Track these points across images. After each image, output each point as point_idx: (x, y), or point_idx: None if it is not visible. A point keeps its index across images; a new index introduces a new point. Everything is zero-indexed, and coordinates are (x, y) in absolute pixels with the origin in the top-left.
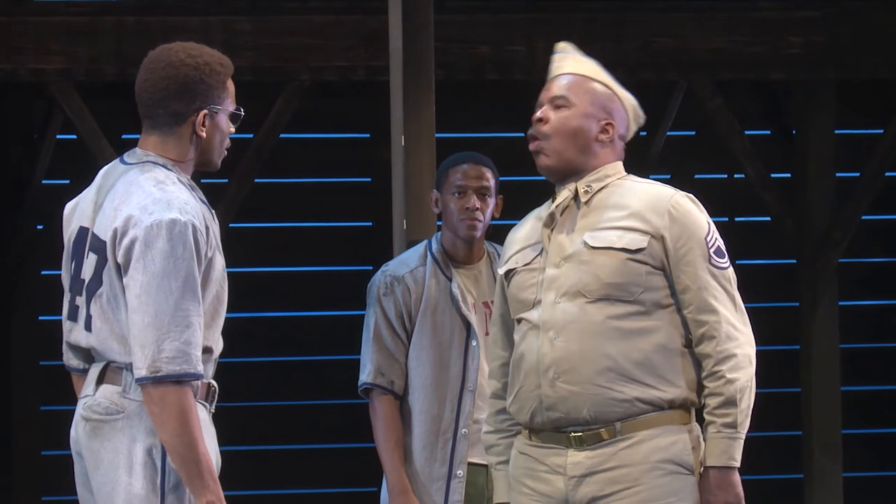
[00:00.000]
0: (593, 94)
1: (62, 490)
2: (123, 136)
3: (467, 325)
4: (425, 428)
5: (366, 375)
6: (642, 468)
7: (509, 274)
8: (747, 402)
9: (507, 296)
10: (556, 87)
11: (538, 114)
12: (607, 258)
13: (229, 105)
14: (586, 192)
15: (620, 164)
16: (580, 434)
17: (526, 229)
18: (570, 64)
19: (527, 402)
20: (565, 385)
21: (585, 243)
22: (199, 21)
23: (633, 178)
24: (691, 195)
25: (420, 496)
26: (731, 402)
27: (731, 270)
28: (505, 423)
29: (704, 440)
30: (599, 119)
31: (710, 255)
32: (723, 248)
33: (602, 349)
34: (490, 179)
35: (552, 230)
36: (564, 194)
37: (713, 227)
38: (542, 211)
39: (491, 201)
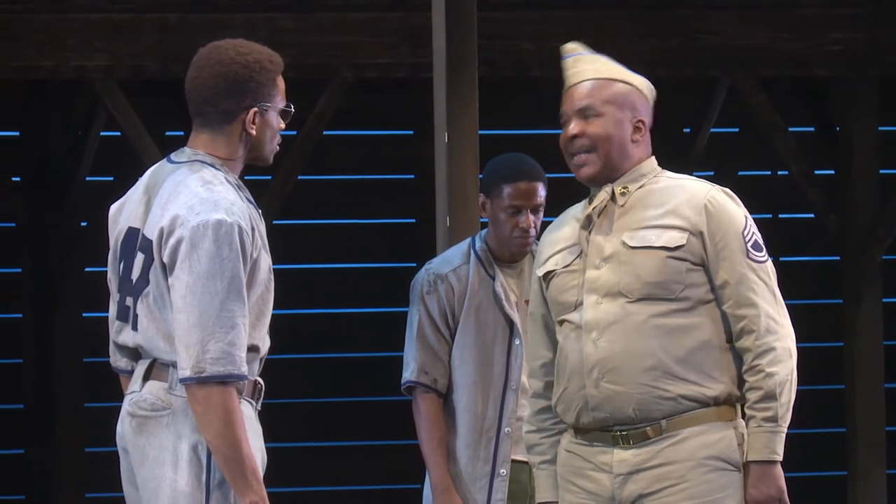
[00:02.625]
0: (618, 97)
1: (106, 487)
2: (167, 133)
3: (510, 324)
4: (468, 426)
5: (409, 373)
6: (688, 465)
7: (548, 276)
8: (788, 395)
9: (547, 298)
10: (580, 96)
11: (572, 129)
12: (647, 257)
13: (279, 102)
14: (623, 193)
15: (653, 160)
16: (626, 433)
17: (563, 230)
18: (585, 67)
19: (572, 403)
20: (610, 385)
21: (624, 243)
22: (242, 18)
23: (667, 174)
24: (727, 189)
25: (463, 495)
26: (770, 396)
27: (769, 263)
28: (547, 422)
29: (746, 433)
30: (630, 119)
31: (747, 249)
32: (760, 241)
33: (645, 348)
34: (542, 194)
35: (590, 232)
36: (601, 196)
37: (750, 220)
38: (579, 212)
39: (542, 213)
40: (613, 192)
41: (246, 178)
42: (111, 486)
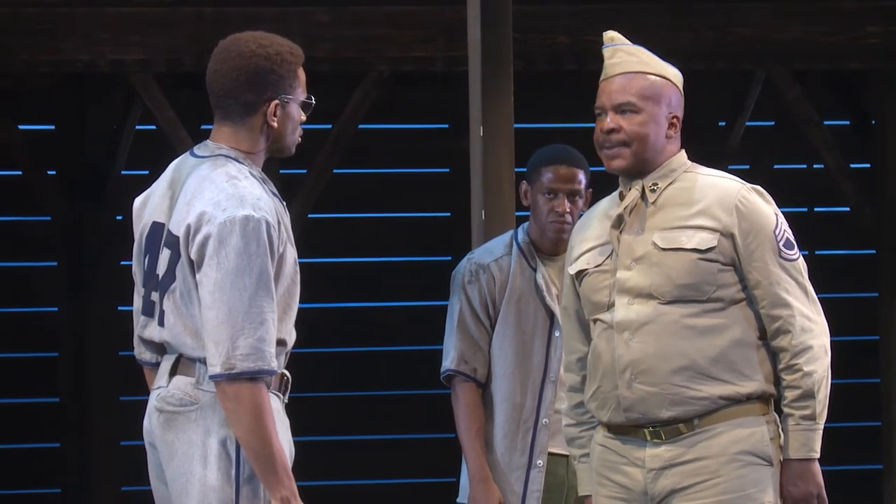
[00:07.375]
0: (656, 92)
1: (141, 480)
2: (202, 127)
3: (551, 316)
4: (506, 416)
5: (449, 362)
6: (721, 460)
7: (580, 275)
8: (824, 392)
9: (580, 295)
10: (619, 91)
11: (609, 123)
12: (678, 259)
13: (300, 94)
14: (653, 190)
15: (683, 153)
16: (658, 429)
17: (593, 227)
18: (624, 59)
19: (605, 402)
20: (643, 386)
21: (655, 244)
22: (276, 11)
23: (697, 168)
24: (758, 187)
25: (500, 485)
26: (809, 395)
27: (801, 260)
28: (585, 415)
29: (783, 431)
30: (666, 115)
31: (779, 249)
32: (791, 238)
33: (678, 348)
34: (582, 181)
35: (621, 231)
36: (632, 195)
37: (781, 218)
38: (608, 207)
39: (581, 201)
40: (643, 190)
41: (281, 171)
42: (146, 480)
